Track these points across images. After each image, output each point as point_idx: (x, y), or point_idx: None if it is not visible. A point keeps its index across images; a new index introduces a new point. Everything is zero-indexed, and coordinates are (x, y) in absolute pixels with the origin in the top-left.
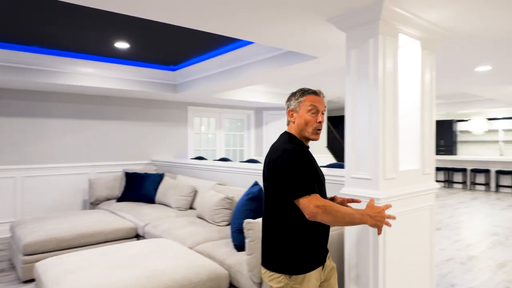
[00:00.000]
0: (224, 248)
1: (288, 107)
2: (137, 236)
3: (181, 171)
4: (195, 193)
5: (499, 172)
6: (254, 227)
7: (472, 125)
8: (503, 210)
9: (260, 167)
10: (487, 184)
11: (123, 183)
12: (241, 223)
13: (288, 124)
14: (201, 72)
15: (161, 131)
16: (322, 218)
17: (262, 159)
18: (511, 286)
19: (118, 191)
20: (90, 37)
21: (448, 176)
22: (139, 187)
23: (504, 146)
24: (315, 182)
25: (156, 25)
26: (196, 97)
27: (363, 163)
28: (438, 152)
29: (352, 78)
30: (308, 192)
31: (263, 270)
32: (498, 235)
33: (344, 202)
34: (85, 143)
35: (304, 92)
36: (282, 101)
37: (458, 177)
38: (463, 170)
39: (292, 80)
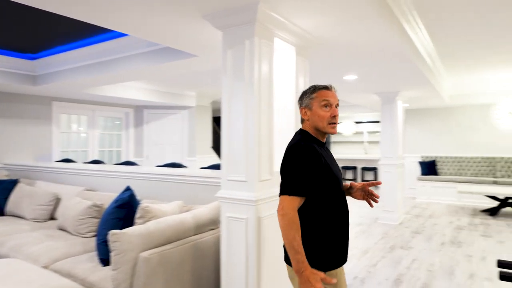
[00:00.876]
0: (88, 263)
1: (300, 105)
2: None
3: (42, 176)
4: (57, 201)
5: (364, 169)
6: (120, 238)
7: (343, 128)
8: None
9: (136, 169)
10: (354, 180)
11: None
12: (108, 234)
13: (302, 122)
14: (67, 63)
15: (16, 129)
16: (280, 224)
17: (142, 160)
18: (372, 270)
19: None
20: None
21: None
22: None
23: (368, 146)
24: (326, 178)
25: (9, 4)
26: (63, 91)
27: (239, 165)
28: None
29: (228, 79)
30: (293, 192)
31: (287, 266)
32: (362, 224)
33: (365, 186)
34: None
35: (315, 88)
36: (165, 100)
37: (349, 175)
38: (354, 168)
39: (174, 78)
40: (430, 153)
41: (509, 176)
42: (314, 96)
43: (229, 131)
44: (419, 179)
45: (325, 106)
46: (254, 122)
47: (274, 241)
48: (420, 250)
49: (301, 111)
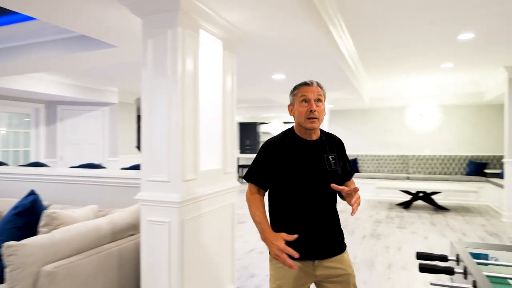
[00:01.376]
0: None
1: (289, 104)
2: None
3: None
4: None
5: None
6: (17, 251)
7: (272, 127)
8: None
9: (45, 171)
10: None
11: None
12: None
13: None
14: None
15: None
16: (248, 208)
17: (55, 161)
18: None
19: None
20: None
21: None
22: None
23: None
24: (287, 172)
25: None
26: None
27: (161, 165)
28: (245, 151)
29: (149, 72)
30: (248, 179)
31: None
32: None
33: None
34: None
35: (296, 86)
36: (82, 95)
37: None
38: None
39: (93, 71)
40: (352, 152)
41: (419, 172)
42: (295, 93)
43: (150, 128)
44: None
45: (304, 101)
46: (178, 120)
47: (200, 245)
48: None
49: (288, 109)
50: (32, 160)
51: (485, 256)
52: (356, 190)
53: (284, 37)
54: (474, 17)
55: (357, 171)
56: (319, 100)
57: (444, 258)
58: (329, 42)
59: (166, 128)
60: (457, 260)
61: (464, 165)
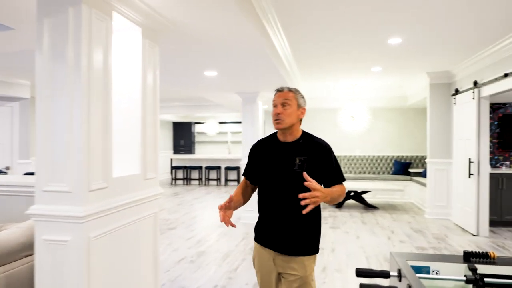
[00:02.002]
0: None
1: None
2: None
3: None
4: None
5: (228, 168)
6: None
7: (207, 127)
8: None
9: None
10: (218, 179)
11: None
12: None
13: None
14: None
15: None
16: None
17: None
18: (233, 275)
19: None
20: None
21: (187, 174)
22: None
23: (231, 146)
24: (259, 169)
25: None
26: None
27: (60, 172)
28: (179, 151)
29: (45, 59)
30: (243, 174)
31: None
32: (224, 226)
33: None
34: None
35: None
36: None
37: (195, 174)
38: (199, 168)
39: None
40: None
41: (351, 172)
42: (272, 100)
43: (46, 127)
44: None
45: (274, 106)
46: (82, 118)
47: (111, 266)
48: None
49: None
50: None
51: (427, 269)
52: (315, 187)
53: (215, 30)
54: (402, 22)
55: None
56: (285, 104)
57: (385, 275)
58: (263, 38)
59: (66, 128)
60: (399, 276)
61: (391, 164)
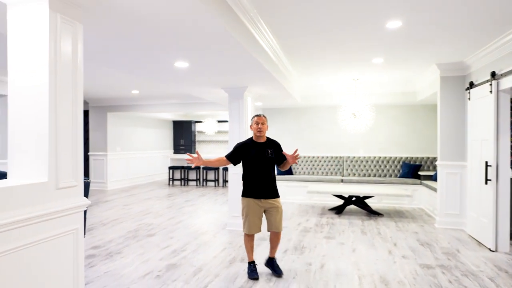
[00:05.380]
0: None
1: (250, 124)
2: None
3: None
4: None
5: (226, 169)
6: None
7: (206, 126)
8: (223, 205)
9: None
10: (216, 180)
11: None
12: None
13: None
14: None
15: None
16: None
17: None
18: None
19: None
20: None
21: (184, 174)
22: None
23: (231, 146)
24: (245, 157)
25: None
26: None
27: None
28: (179, 151)
29: None
30: (226, 155)
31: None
32: (207, 233)
33: (288, 157)
34: None
35: (253, 116)
36: None
37: (193, 175)
38: (197, 168)
39: None
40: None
41: (354, 175)
42: (252, 119)
43: None
44: None
45: (256, 123)
46: None
47: None
48: (261, 261)
49: (250, 127)
50: None
51: None
52: (292, 157)
53: (177, 17)
54: (403, 2)
55: (291, 173)
56: (263, 123)
57: None
58: (232, 26)
59: None
60: None
61: (398, 167)
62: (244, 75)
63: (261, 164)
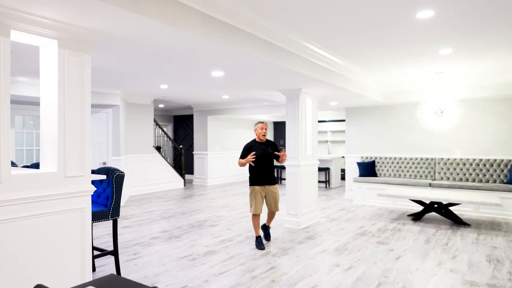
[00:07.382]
0: None
1: (255, 128)
2: None
3: None
4: None
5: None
6: None
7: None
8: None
9: None
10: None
11: None
12: None
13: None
14: None
15: None
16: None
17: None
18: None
19: None
20: None
21: (277, 173)
22: None
23: (331, 146)
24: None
25: None
26: None
27: None
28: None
29: None
30: (240, 157)
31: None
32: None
33: (279, 156)
34: None
35: (256, 123)
36: None
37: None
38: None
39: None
40: (370, 153)
41: (448, 179)
42: (257, 124)
43: None
44: (355, 181)
45: (261, 128)
46: None
47: (19, 252)
48: (299, 257)
49: (254, 131)
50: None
51: None
52: (281, 155)
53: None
54: None
55: (375, 174)
56: (266, 128)
57: None
58: (268, 56)
59: None
60: None
61: (505, 171)
62: (293, 79)
63: (264, 159)
